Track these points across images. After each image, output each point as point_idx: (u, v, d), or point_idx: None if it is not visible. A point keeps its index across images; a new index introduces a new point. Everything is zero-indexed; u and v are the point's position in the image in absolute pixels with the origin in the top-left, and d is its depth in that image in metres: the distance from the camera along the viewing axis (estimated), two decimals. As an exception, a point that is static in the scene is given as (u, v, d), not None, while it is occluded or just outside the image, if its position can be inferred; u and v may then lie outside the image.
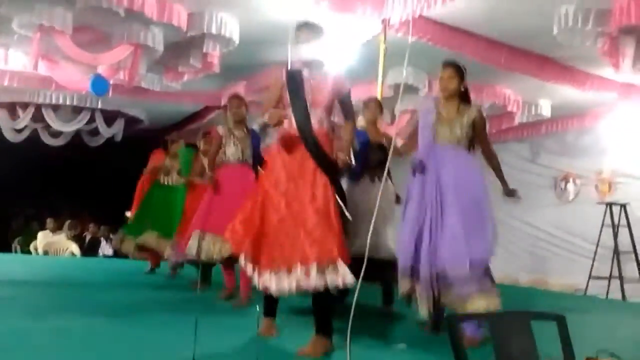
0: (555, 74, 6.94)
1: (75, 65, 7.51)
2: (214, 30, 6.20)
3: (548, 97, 8.24)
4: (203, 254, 4.32)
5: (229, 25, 6.29)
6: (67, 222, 10.07)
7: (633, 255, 7.74)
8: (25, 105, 10.02)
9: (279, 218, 2.85)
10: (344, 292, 3.07)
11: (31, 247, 9.79)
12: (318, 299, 2.81)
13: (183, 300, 4.67)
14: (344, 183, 4.21)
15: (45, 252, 9.56)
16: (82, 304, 4.19)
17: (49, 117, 10.14)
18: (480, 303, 3.11)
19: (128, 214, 11.31)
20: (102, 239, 10.71)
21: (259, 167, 4.02)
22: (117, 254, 10.47)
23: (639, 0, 4.94)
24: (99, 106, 10.05)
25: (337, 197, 2.87)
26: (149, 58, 7.05)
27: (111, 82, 7.60)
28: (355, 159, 4.22)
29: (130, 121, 11.06)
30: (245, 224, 2.93)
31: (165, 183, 6.25)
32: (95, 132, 10.90)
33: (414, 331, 3.59)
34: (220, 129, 4.60)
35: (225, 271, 4.51)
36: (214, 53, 6.88)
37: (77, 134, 10.93)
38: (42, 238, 9.70)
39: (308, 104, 2.91)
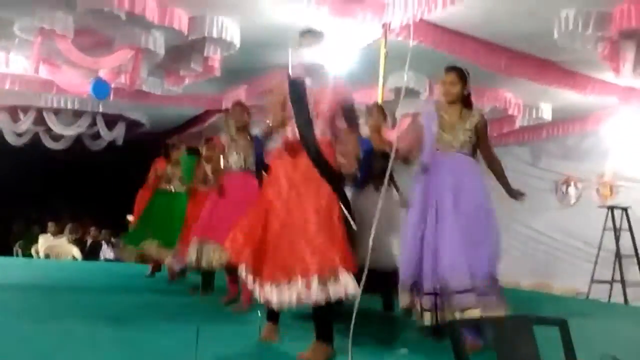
0: (556, 78, 6.94)
1: (76, 69, 7.52)
2: (215, 34, 6.21)
3: (549, 100, 8.24)
4: (203, 262, 4.33)
5: (230, 29, 6.30)
6: (69, 226, 10.08)
7: (635, 259, 7.72)
8: (26, 109, 10.04)
9: (281, 227, 2.82)
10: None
11: (32, 251, 9.79)
12: (318, 309, 2.80)
13: (184, 305, 4.66)
14: (349, 192, 4.22)
15: (47, 256, 9.56)
16: (83, 309, 4.19)
17: (50, 120, 10.16)
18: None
19: (129, 217, 11.33)
20: (103, 242, 10.71)
21: (262, 174, 4.01)
22: (119, 257, 10.51)
23: (639, 4, 4.94)
24: (100, 110, 10.06)
25: (341, 205, 2.83)
26: (150, 62, 7.06)
27: (112, 85, 7.61)
28: (359, 168, 4.24)
29: (132, 125, 11.08)
30: (247, 233, 2.90)
31: (167, 190, 6.19)
32: (96, 136, 10.91)
33: (416, 336, 3.58)
34: (223, 137, 4.59)
35: (228, 278, 4.48)
36: (215, 57, 6.89)
37: (79, 138, 10.95)
38: (44, 241, 9.71)
39: (311, 113, 2.88)
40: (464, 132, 3.34)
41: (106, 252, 10.57)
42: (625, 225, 7.83)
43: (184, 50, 6.95)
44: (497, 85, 7.56)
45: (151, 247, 5.92)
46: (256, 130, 4.25)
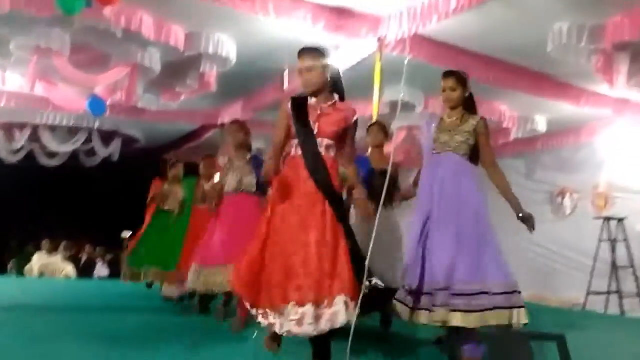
0: (551, 90, 7.00)
1: (73, 86, 7.53)
2: (211, 51, 6.23)
3: (544, 112, 8.30)
4: (202, 286, 4.31)
5: (226, 45, 6.33)
6: (63, 243, 10.02)
7: (631, 270, 7.73)
8: (22, 126, 10.02)
9: (280, 251, 2.77)
10: None
11: (26, 269, 9.71)
12: (317, 339, 2.77)
13: (179, 324, 4.61)
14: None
15: (41, 274, 9.49)
16: (77, 329, 4.13)
17: (46, 138, 10.14)
18: (470, 319, 3.02)
19: (125, 234, 11.28)
20: (97, 260, 10.65)
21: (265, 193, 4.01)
22: (113, 275, 10.44)
23: (633, 17, 5.00)
24: (96, 126, 10.05)
25: (345, 229, 2.80)
26: (146, 78, 7.07)
27: (108, 102, 7.61)
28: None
29: (127, 141, 11.07)
30: (247, 262, 2.84)
31: (166, 210, 6.09)
32: (91, 152, 10.89)
33: (413, 352, 3.55)
34: (221, 160, 4.56)
35: (239, 302, 4.38)
36: (211, 73, 6.92)
37: (74, 154, 10.92)
38: (38, 259, 9.65)
39: (312, 131, 2.86)
40: (462, 134, 3.30)
41: (100, 269, 10.50)
42: (621, 236, 7.84)
43: (180, 67, 6.97)
44: (492, 98, 7.61)
45: (150, 272, 5.85)
46: (257, 145, 4.23)
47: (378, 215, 2.98)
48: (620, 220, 7.90)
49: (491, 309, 3.02)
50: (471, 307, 3.03)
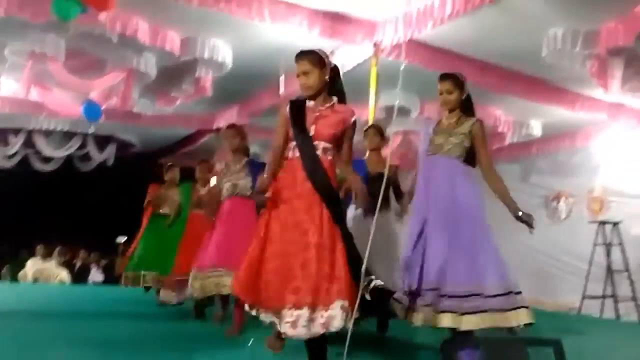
0: (545, 95, 7.03)
1: (68, 91, 7.51)
2: (206, 55, 6.23)
3: (539, 117, 8.33)
4: (199, 291, 4.29)
5: (221, 50, 6.33)
6: (57, 249, 9.96)
7: (626, 274, 7.75)
8: (16, 131, 9.98)
9: (279, 253, 2.77)
10: None
11: (20, 275, 9.65)
12: (312, 341, 2.76)
13: (175, 330, 4.59)
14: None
15: (35, 279, 9.44)
16: (71, 335, 4.10)
17: (40, 143, 10.10)
18: (469, 321, 3.01)
19: (120, 239, 11.23)
20: (92, 265, 10.59)
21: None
22: (107, 280, 10.39)
23: (626, 23, 5.03)
24: (91, 131, 10.02)
25: (343, 231, 2.79)
26: (142, 83, 7.06)
27: (103, 107, 7.59)
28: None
29: (123, 145, 11.04)
30: (249, 266, 2.83)
31: (162, 214, 6.08)
32: (86, 157, 10.85)
33: (410, 356, 3.55)
34: (218, 165, 4.56)
35: (235, 308, 4.38)
36: (207, 77, 6.91)
37: (69, 159, 10.88)
38: (32, 265, 9.59)
39: (308, 133, 2.86)
40: (457, 136, 3.29)
41: (95, 275, 10.45)
42: (616, 240, 7.87)
43: (175, 71, 6.96)
44: (487, 102, 7.63)
45: (148, 276, 5.83)
46: (252, 150, 4.23)
47: (375, 218, 2.98)
48: (615, 224, 7.92)
49: (485, 311, 3.00)
50: (462, 309, 3.01)
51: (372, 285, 2.73)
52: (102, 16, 5.26)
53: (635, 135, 8.04)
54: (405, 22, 5.40)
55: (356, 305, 2.64)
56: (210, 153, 9.12)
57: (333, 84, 2.98)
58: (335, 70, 3.01)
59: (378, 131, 4.51)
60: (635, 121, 7.64)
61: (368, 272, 2.75)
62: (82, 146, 10.48)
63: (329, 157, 2.88)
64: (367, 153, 4.50)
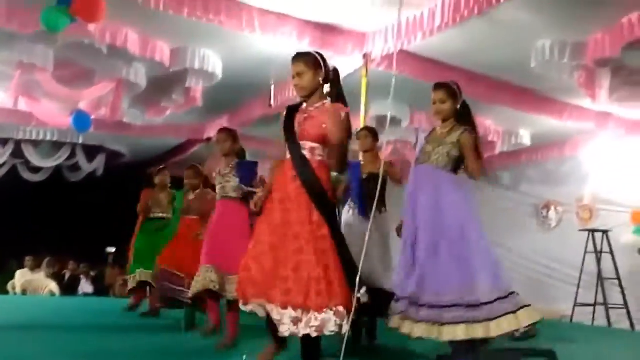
0: (534, 105, 7.09)
1: (56, 102, 7.47)
2: (196, 66, 6.23)
3: (528, 126, 8.39)
4: (192, 291, 4.26)
5: (211, 60, 6.33)
6: (46, 260, 9.84)
7: (617, 282, 7.79)
8: (4, 141, 9.91)
9: (272, 257, 2.79)
10: None
11: (9, 287, 9.53)
12: (306, 341, 2.75)
13: (166, 342, 4.53)
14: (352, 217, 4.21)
15: (24, 291, 9.32)
16: (61, 348, 4.04)
17: (29, 153, 10.03)
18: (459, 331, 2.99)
19: (109, 249, 11.13)
20: (82, 276, 10.49)
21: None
22: (97, 291, 10.29)
23: (613, 34, 5.09)
24: (80, 141, 9.97)
25: (334, 233, 2.80)
26: (132, 93, 7.04)
27: (93, 117, 7.55)
28: (353, 195, 4.23)
29: (112, 156, 10.98)
30: (243, 265, 2.88)
31: (156, 217, 6.06)
32: (76, 167, 10.78)
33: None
34: (214, 174, 4.54)
35: (228, 316, 4.34)
36: (197, 87, 6.90)
37: (57, 169, 10.80)
38: (21, 276, 9.47)
39: (296, 137, 2.89)
40: (445, 145, 3.30)
41: (85, 286, 10.35)
42: (606, 248, 7.91)
43: (165, 82, 6.95)
44: (477, 112, 7.51)
45: (145, 275, 5.80)
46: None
47: (372, 219, 2.99)
48: (605, 232, 7.97)
49: (469, 322, 2.97)
50: (443, 319, 3.00)
51: (363, 290, 2.72)
52: (92, 27, 5.24)
53: (624, 144, 8.13)
54: (394, 33, 5.43)
55: (353, 309, 2.65)
56: (201, 163, 9.09)
57: (336, 87, 2.98)
58: (336, 72, 3.02)
59: (370, 132, 4.52)
60: (623, 130, 7.72)
61: (361, 280, 2.74)
62: (72, 156, 10.41)
63: (318, 158, 2.88)
64: (361, 155, 4.51)
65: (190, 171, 5.56)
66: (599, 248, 7.93)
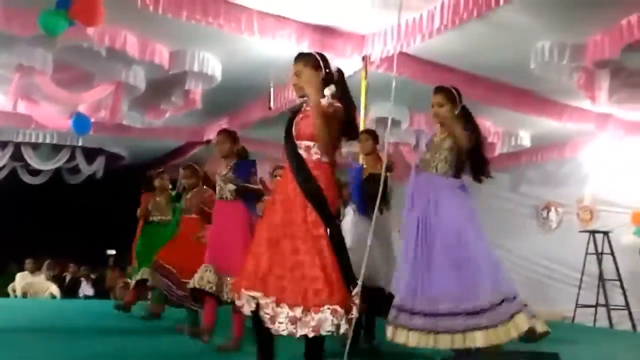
0: (534, 106, 7.08)
1: (56, 104, 7.47)
2: (195, 68, 6.23)
3: (527, 128, 8.39)
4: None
5: (210, 62, 6.33)
6: (46, 262, 9.84)
7: (618, 283, 7.78)
8: (4, 144, 9.90)
9: (269, 258, 2.78)
10: None
11: (9, 289, 9.53)
12: (311, 342, 2.75)
13: (168, 345, 4.53)
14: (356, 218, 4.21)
15: (24, 294, 9.32)
16: (62, 353, 4.05)
17: (28, 155, 10.03)
18: (477, 337, 2.96)
19: (110, 251, 11.13)
20: (82, 279, 10.48)
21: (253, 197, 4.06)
22: (98, 293, 10.29)
23: (612, 35, 5.09)
24: (80, 144, 9.97)
25: (332, 233, 2.76)
26: (131, 96, 7.03)
27: (92, 120, 7.55)
28: (353, 196, 4.23)
29: (112, 158, 10.98)
30: (243, 266, 2.88)
31: (155, 221, 6.06)
32: (75, 170, 10.77)
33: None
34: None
35: (234, 318, 4.30)
36: (196, 90, 6.90)
37: (57, 172, 10.80)
38: (21, 279, 9.46)
39: (293, 135, 2.89)
40: (442, 151, 3.31)
41: (85, 288, 10.34)
42: (607, 249, 7.90)
43: (164, 84, 6.95)
44: (477, 114, 7.48)
45: (145, 273, 5.79)
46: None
47: (374, 220, 2.99)
48: (606, 233, 7.96)
49: (472, 330, 2.95)
50: (437, 327, 2.99)
51: (355, 290, 2.71)
52: (90, 30, 5.24)
53: (623, 145, 8.12)
54: (393, 35, 5.43)
55: (355, 310, 2.64)
56: (201, 165, 9.09)
57: (342, 88, 2.94)
58: (340, 74, 3.01)
59: (370, 135, 4.51)
60: (622, 131, 7.71)
61: (355, 277, 2.74)
62: (71, 159, 10.42)
63: (314, 156, 2.85)
64: (363, 158, 4.50)
65: (187, 170, 5.55)
66: (599, 249, 7.92)
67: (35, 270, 9.65)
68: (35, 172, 10.79)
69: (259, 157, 5.04)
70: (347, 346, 2.68)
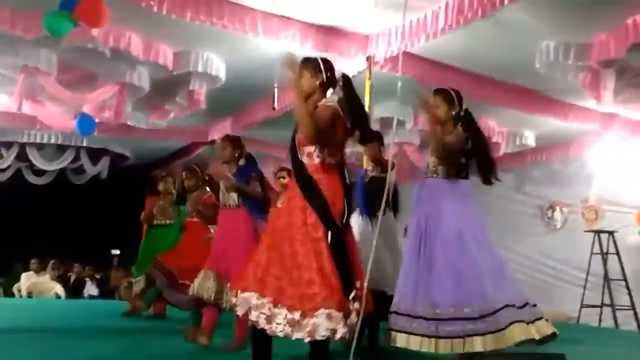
0: (539, 106, 7.06)
1: (60, 105, 7.49)
2: (200, 69, 6.24)
3: (532, 128, 8.36)
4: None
5: (215, 63, 6.33)
6: (51, 262, 9.87)
7: (624, 283, 7.75)
8: (9, 145, 9.94)
9: (269, 259, 2.79)
10: None
11: (14, 289, 9.57)
12: (315, 346, 2.74)
13: (171, 345, 4.53)
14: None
15: (29, 294, 9.35)
16: (67, 353, 4.05)
17: (33, 156, 10.06)
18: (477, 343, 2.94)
19: (114, 251, 11.14)
20: (87, 279, 10.51)
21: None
22: (103, 293, 10.31)
23: (617, 35, 5.06)
24: (84, 144, 9.99)
25: (332, 236, 2.76)
26: (135, 96, 7.05)
27: (97, 120, 7.57)
28: (357, 199, 4.23)
29: (116, 158, 11.00)
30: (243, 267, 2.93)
31: (160, 224, 6.07)
32: (80, 170, 10.80)
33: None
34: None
35: (205, 308, 4.29)
36: (201, 90, 6.91)
37: (62, 172, 10.83)
38: (26, 279, 9.50)
39: (295, 143, 2.90)
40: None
41: (90, 288, 10.37)
42: (612, 249, 7.87)
43: (169, 85, 6.96)
44: (481, 114, 7.63)
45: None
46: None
47: (379, 221, 2.98)
48: (611, 233, 7.93)
49: (471, 335, 2.92)
50: (438, 332, 2.96)
51: (353, 294, 2.70)
52: (95, 31, 5.25)
53: (629, 145, 8.09)
54: (398, 35, 5.42)
55: (361, 314, 2.64)
56: (205, 165, 9.10)
57: (348, 93, 2.92)
58: (346, 79, 2.98)
59: (377, 138, 4.51)
60: (628, 131, 7.68)
61: (354, 281, 2.74)
62: (76, 159, 10.44)
63: (316, 160, 2.85)
64: (367, 161, 4.50)
65: (187, 172, 5.55)
66: (605, 249, 7.90)
67: (40, 270, 9.68)
68: (40, 173, 10.82)
69: (263, 157, 5.05)
70: (353, 348, 2.67)
